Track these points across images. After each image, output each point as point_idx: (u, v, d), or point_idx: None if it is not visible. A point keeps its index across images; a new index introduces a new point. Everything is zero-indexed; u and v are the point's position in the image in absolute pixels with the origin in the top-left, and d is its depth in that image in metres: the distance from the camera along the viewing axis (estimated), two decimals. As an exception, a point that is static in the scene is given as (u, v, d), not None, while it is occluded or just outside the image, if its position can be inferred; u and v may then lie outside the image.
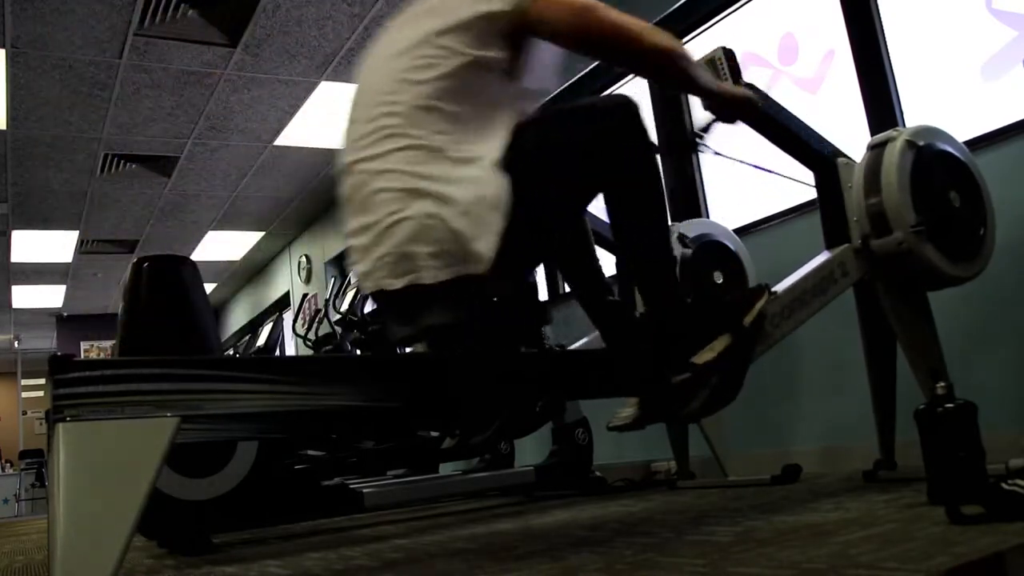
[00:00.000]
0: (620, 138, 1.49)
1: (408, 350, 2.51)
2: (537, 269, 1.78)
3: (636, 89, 3.69)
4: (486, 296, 1.47)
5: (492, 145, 1.43)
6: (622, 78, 3.95)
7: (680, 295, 1.54)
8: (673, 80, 1.69)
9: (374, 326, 4.40)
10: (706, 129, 1.98)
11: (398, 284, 1.43)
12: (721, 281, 2.58)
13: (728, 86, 1.82)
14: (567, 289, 3.57)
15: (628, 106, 1.50)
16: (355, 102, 1.60)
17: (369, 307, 4.41)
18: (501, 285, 1.47)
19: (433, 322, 1.50)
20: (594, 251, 1.80)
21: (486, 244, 1.38)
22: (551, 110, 1.61)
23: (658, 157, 1.56)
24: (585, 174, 1.49)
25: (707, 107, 1.81)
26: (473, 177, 1.40)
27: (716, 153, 1.99)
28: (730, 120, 1.89)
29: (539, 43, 1.55)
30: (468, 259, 1.39)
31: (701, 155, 2.07)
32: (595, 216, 1.95)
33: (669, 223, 1.62)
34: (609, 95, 1.56)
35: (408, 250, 1.41)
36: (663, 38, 1.57)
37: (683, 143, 2.08)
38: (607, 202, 1.54)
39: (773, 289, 1.79)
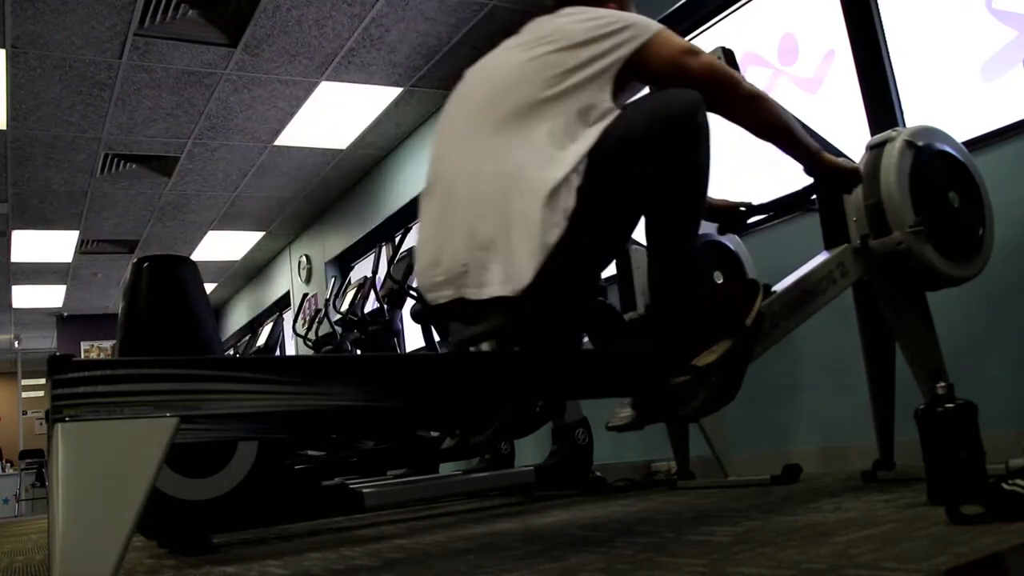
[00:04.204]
0: (680, 151, 1.45)
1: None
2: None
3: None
4: (529, 315, 1.47)
5: (570, 163, 1.41)
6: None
7: (691, 296, 1.53)
8: (774, 133, 1.64)
9: (374, 326, 4.40)
10: (812, 202, 2.00)
11: (481, 294, 1.44)
12: (721, 281, 2.58)
13: (834, 158, 1.76)
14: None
15: (693, 116, 1.46)
16: (452, 112, 1.63)
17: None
18: (548, 306, 1.46)
19: (486, 329, 1.55)
20: None
21: (528, 265, 1.38)
22: (618, 130, 1.49)
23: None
24: (643, 192, 1.46)
25: (810, 173, 1.78)
26: (543, 196, 1.39)
27: None
28: (835, 192, 1.91)
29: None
30: (509, 280, 1.40)
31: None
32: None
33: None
34: (672, 109, 1.47)
35: (480, 259, 1.43)
36: (762, 91, 1.61)
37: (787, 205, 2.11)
38: (649, 198, 1.50)
39: (773, 289, 1.79)
